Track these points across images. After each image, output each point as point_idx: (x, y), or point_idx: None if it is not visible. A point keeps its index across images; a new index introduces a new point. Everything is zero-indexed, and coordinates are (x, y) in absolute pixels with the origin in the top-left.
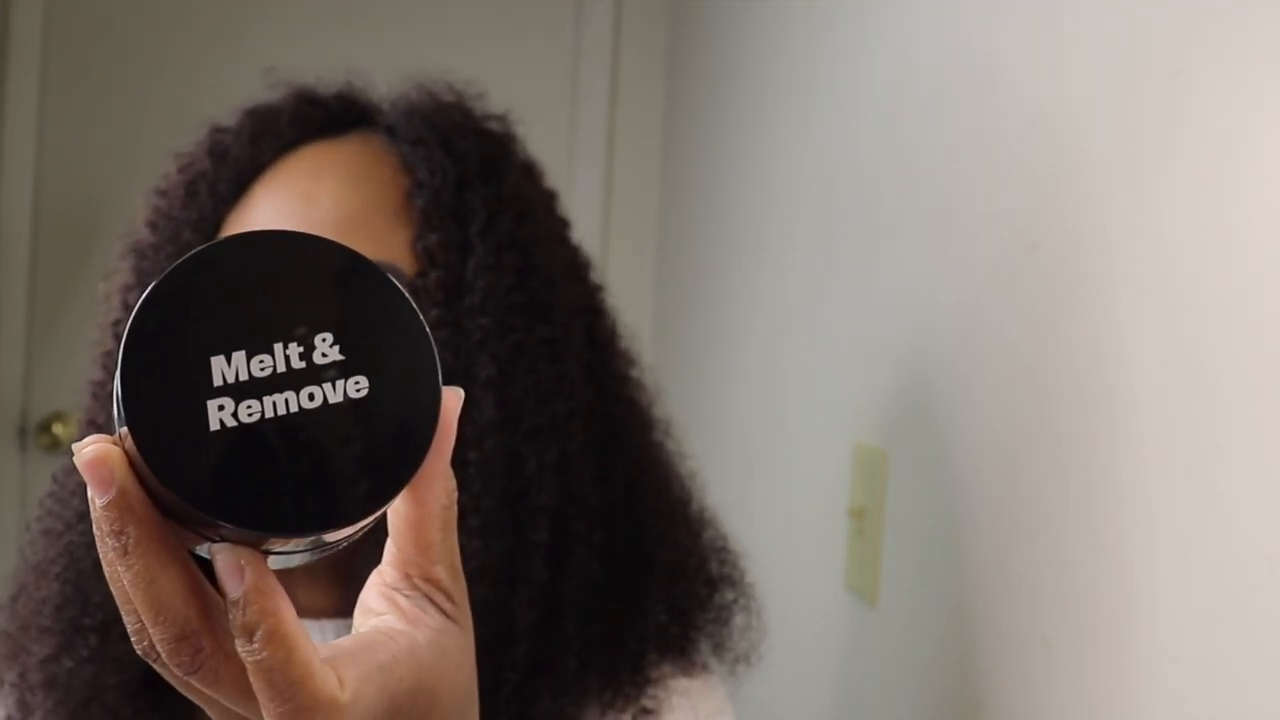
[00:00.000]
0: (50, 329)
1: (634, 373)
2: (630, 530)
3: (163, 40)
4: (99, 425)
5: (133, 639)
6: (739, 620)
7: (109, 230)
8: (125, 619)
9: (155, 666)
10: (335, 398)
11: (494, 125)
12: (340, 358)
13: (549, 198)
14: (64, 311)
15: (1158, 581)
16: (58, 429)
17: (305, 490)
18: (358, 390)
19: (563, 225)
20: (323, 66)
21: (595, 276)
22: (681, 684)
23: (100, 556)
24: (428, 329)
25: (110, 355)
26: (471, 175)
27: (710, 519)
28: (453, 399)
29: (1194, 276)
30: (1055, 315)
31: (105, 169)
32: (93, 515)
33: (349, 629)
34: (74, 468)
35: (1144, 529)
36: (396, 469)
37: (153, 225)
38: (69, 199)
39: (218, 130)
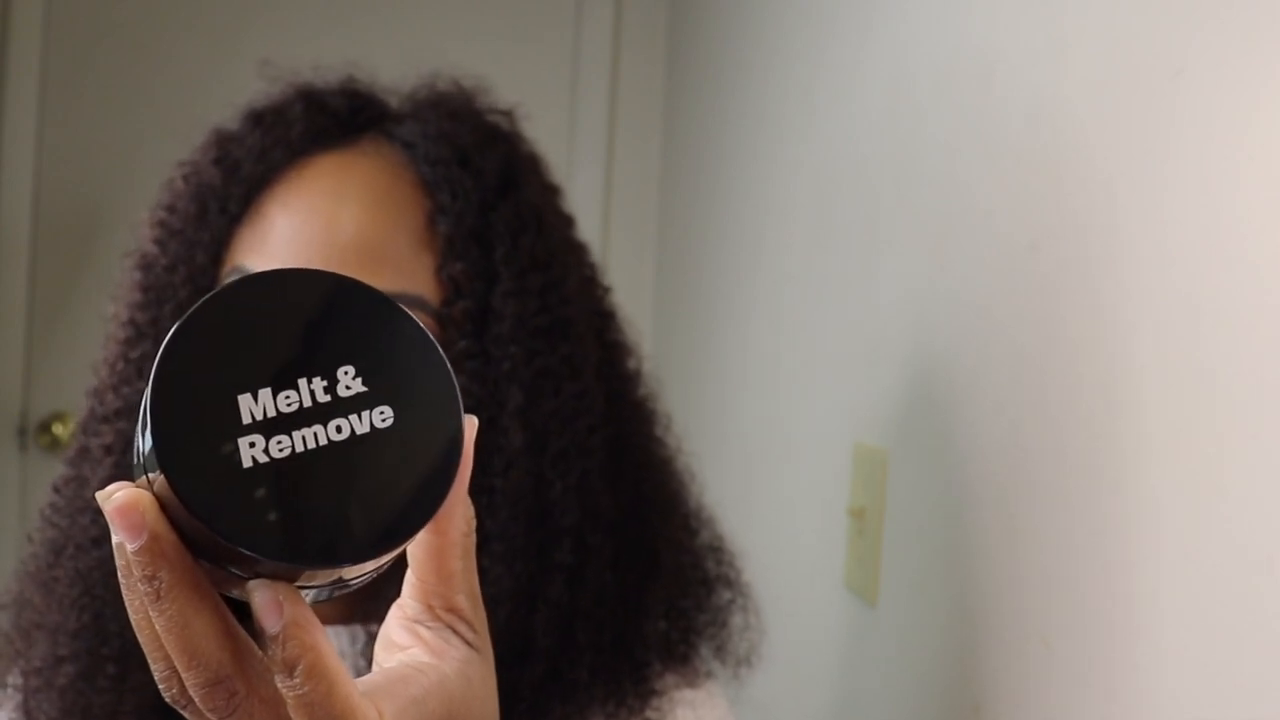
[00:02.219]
0: (50, 329)
1: (637, 366)
2: (636, 533)
3: (163, 40)
4: (108, 447)
5: (161, 686)
6: (737, 620)
7: (109, 230)
8: (154, 666)
9: (186, 714)
10: (362, 429)
11: (501, 123)
12: (364, 389)
13: (555, 194)
14: (64, 311)
15: (1158, 581)
16: (58, 429)
17: (342, 520)
18: (383, 420)
19: (568, 224)
20: (322, 66)
21: (601, 276)
22: (685, 695)
23: (127, 605)
24: (445, 357)
25: (120, 373)
26: (492, 194)
27: (707, 518)
28: (470, 427)
29: (1196, 275)
30: (1055, 314)
31: (105, 169)
32: (119, 563)
33: (349, 636)
34: (74, 479)
35: (1145, 528)
36: (428, 494)
37: (161, 244)
38: (69, 199)
39: (222, 136)
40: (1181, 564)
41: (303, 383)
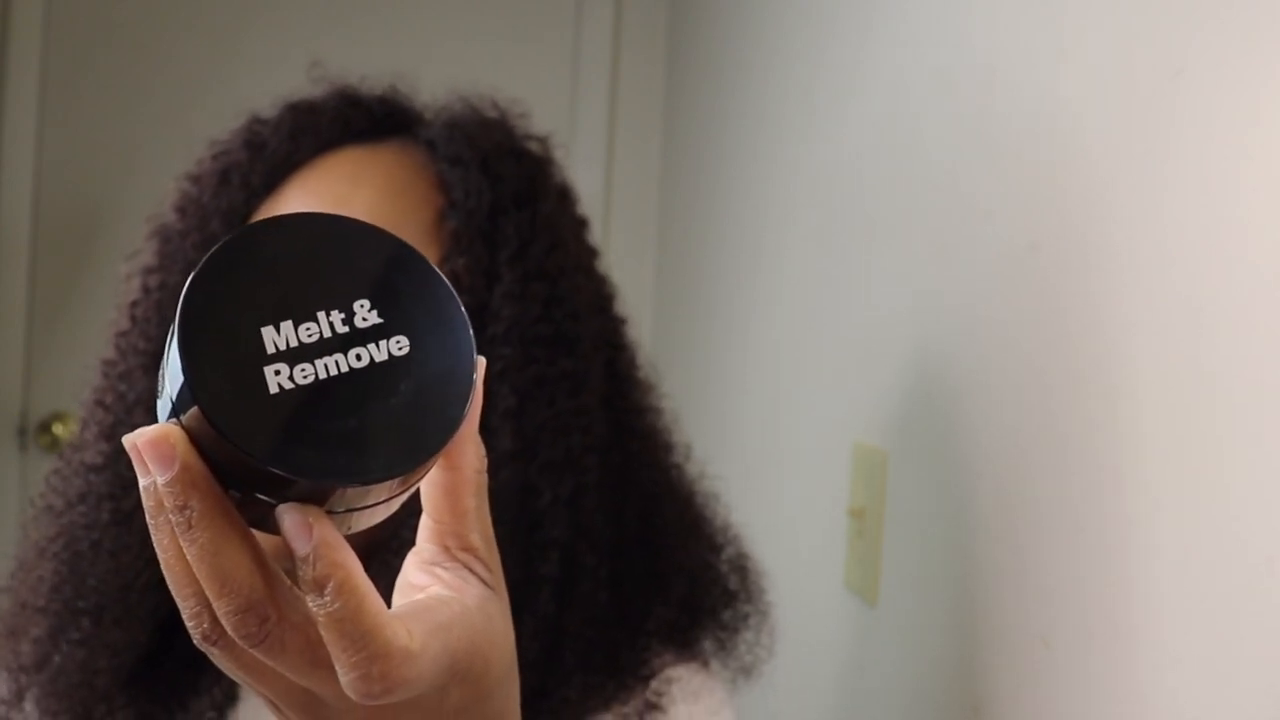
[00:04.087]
0: (50, 329)
1: (652, 401)
2: (644, 559)
3: (163, 40)
4: (107, 405)
5: (191, 625)
6: (749, 635)
7: (109, 230)
8: (183, 604)
9: (215, 651)
10: (381, 356)
11: (534, 147)
12: (379, 320)
13: (580, 225)
14: (64, 311)
15: (1158, 581)
16: (58, 429)
17: (366, 439)
18: (400, 349)
19: (591, 255)
20: (339, 70)
21: (619, 308)
22: (680, 672)
23: (156, 545)
24: (455, 293)
25: (125, 335)
26: (506, 200)
27: (733, 537)
28: (480, 365)
29: (1196, 276)
30: (1056, 315)
31: (105, 169)
32: (148, 504)
33: None
34: (80, 445)
35: (1144, 529)
36: (445, 416)
37: (181, 210)
38: (69, 199)
39: (257, 121)
40: (1182, 564)
41: (321, 315)
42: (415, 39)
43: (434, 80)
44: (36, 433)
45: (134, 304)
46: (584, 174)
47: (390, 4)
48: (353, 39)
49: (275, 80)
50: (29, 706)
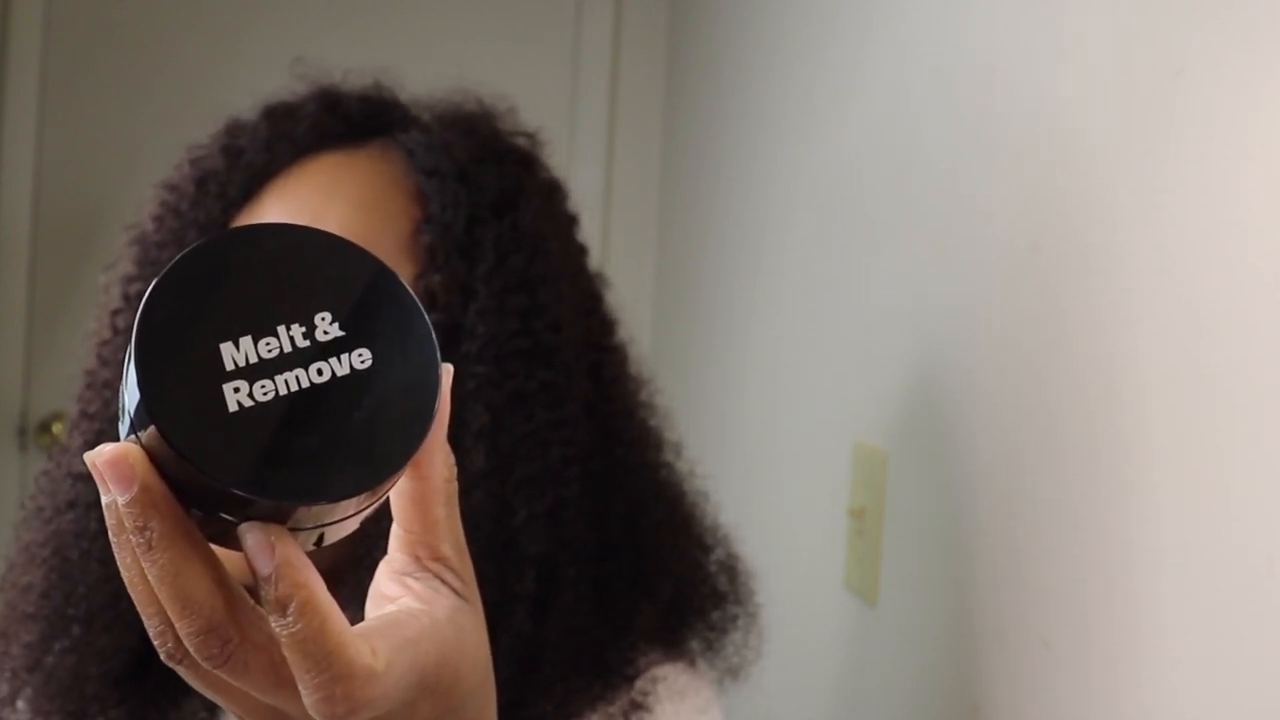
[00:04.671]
0: (50, 329)
1: (643, 399)
2: (632, 560)
3: (163, 40)
4: (91, 414)
5: (156, 642)
6: (737, 635)
7: (109, 230)
8: (148, 623)
9: (181, 669)
10: (342, 370)
11: (521, 144)
12: (341, 333)
13: (569, 223)
14: (64, 311)
15: (1158, 582)
16: (58, 429)
17: (328, 457)
18: (362, 362)
19: (580, 254)
20: (322, 66)
21: (608, 307)
22: (666, 671)
23: (119, 563)
24: (419, 302)
25: (106, 344)
26: (485, 210)
27: (722, 538)
28: (446, 373)
29: (1196, 276)
30: (1056, 315)
31: (105, 169)
32: (110, 522)
33: None
34: (68, 451)
35: (1144, 529)
36: (410, 430)
37: (159, 220)
38: (69, 199)
39: (235, 126)
40: (1181, 564)
41: (281, 329)
42: (415, 39)
43: (433, 81)
44: (36, 433)
45: (115, 313)
46: (584, 174)
47: (390, 4)
48: (352, 39)
49: (275, 80)
50: (22, 705)
